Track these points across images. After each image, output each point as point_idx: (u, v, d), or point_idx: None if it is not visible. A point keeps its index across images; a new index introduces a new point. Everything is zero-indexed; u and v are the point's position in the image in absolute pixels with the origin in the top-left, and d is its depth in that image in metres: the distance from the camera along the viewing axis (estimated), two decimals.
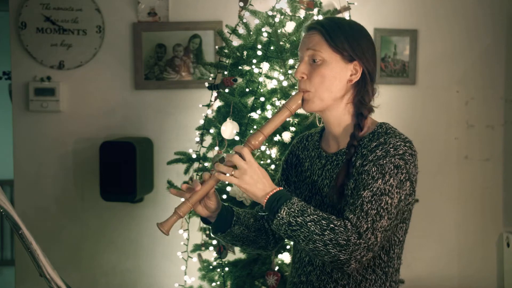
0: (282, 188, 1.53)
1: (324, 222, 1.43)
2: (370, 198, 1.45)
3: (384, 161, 1.48)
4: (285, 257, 2.58)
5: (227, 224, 1.69)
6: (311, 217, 1.44)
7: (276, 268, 2.59)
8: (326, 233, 1.42)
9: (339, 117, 1.61)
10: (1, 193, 1.29)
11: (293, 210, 1.46)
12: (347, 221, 1.44)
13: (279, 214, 1.46)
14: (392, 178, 1.47)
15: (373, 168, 1.48)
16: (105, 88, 3.55)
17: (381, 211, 1.44)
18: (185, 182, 2.80)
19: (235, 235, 1.71)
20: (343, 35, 1.57)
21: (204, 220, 1.71)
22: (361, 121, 1.58)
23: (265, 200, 1.50)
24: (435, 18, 3.53)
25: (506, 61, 3.56)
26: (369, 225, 1.43)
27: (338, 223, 1.43)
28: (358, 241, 1.41)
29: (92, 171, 3.49)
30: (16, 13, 3.52)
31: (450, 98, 3.56)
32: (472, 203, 3.59)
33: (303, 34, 1.65)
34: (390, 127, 1.58)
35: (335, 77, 1.57)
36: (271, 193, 1.50)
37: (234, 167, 1.52)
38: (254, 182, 1.50)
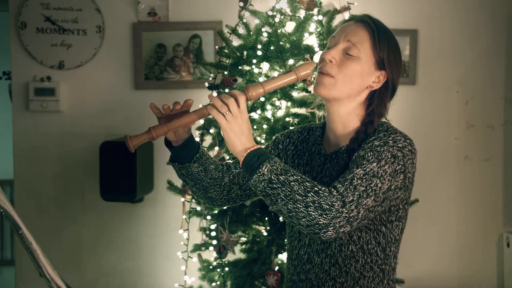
0: (263, 146, 1.49)
1: (308, 184, 1.39)
2: (361, 175, 1.42)
3: (382, 149, 1.46)
4: (285, 257, 2.58)
5: (188, 157, 1.65)
6: (295, 177, 1.40)
7: (276, 268, 2.59)
8: (309, 194, 1.38)
9: (347, 120, 1.60)
10: (1, 193, 1.29)
11: (275, 168, 1.41)
12: (333, 189, 1.40)
13: (260, 170, 1.41)
14: (387, 165, 1.45)
15: (370, 153, 1.46)
16: (105, 88, 3.55)
17: (369, 190, 1.41)
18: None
19: (191, 173, 1.66)
20: (387, 41, 1.58)
21: (167, 143, 1.66)
22: (369, 128, 1.56)
23: (245, 154, 1.44)
24: (435, 18, 3.53)
25: (506, 61, 3.56)
26: (355, 198, 1.39)
27: (323, 188, 1.40)
28: (341, 209, 1.37)
29: (92, 171, 3.49)
30: (16, 13, 3.52)
31: (450, 98, 3.56)
32: (472, 203, 3.59)
33: (349, 21, 1.63)
34: (391, 126, 1.57)
35: (360, 76, 1.55)
36: (252, 148, 1.44)
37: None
38: (239, 132, 1.45)
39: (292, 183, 1.39)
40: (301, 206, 1.38)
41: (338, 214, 1.37)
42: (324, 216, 1.37)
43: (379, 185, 1.43)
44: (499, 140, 3.59)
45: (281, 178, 1.40)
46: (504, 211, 3.60)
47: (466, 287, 3.58)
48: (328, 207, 1.37)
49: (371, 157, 1.45)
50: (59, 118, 3.56)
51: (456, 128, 3.57)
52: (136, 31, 3.50)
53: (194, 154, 1.66)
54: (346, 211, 1.38)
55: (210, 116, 1.54)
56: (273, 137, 1.79)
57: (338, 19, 2.78)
